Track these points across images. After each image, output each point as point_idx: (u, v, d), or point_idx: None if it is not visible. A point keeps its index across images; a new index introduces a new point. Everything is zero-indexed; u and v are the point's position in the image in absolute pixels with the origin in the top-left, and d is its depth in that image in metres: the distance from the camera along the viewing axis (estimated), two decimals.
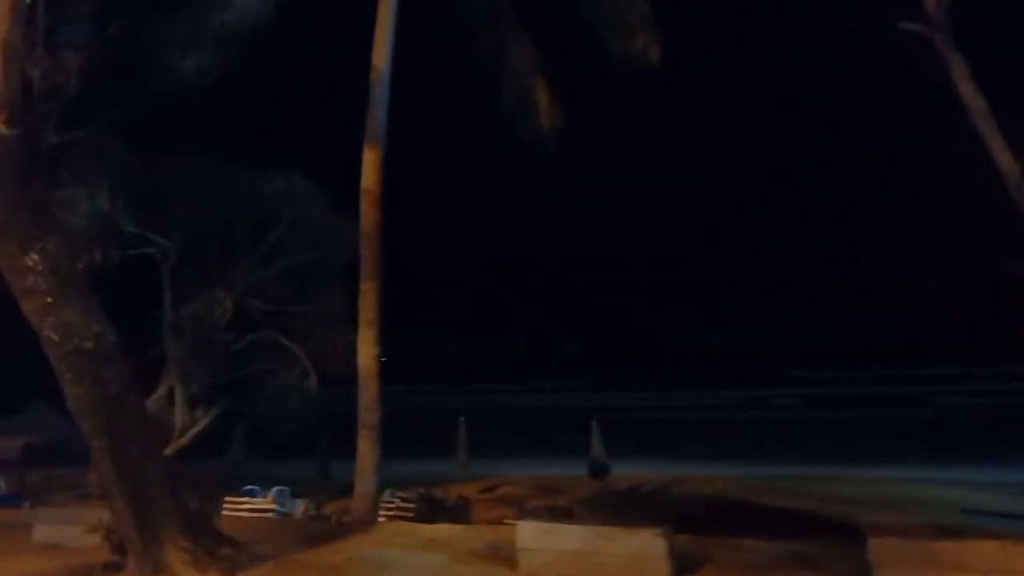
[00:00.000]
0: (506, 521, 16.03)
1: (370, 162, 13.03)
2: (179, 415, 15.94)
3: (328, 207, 18.70)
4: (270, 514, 14.89)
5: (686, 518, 17.42)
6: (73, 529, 9.83)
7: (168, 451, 14.72)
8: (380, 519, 13.33)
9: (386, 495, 14.70)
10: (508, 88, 13.29)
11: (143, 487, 7.81)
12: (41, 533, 10.16)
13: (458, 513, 14.95)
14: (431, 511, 14.40)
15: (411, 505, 14.47)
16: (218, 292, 17.03)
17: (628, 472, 22.00)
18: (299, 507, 15.73)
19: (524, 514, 16.74)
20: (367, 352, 13.00)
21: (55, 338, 7.46)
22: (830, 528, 15.80)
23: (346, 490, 22.20)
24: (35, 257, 7.43)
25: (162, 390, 16.25)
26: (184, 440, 15.74)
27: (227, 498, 16.38)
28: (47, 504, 12.50)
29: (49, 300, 7.47)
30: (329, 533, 10.28)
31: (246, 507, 15.49)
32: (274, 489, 17.11)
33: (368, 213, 13.03)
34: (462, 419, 22.45)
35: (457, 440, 22.56)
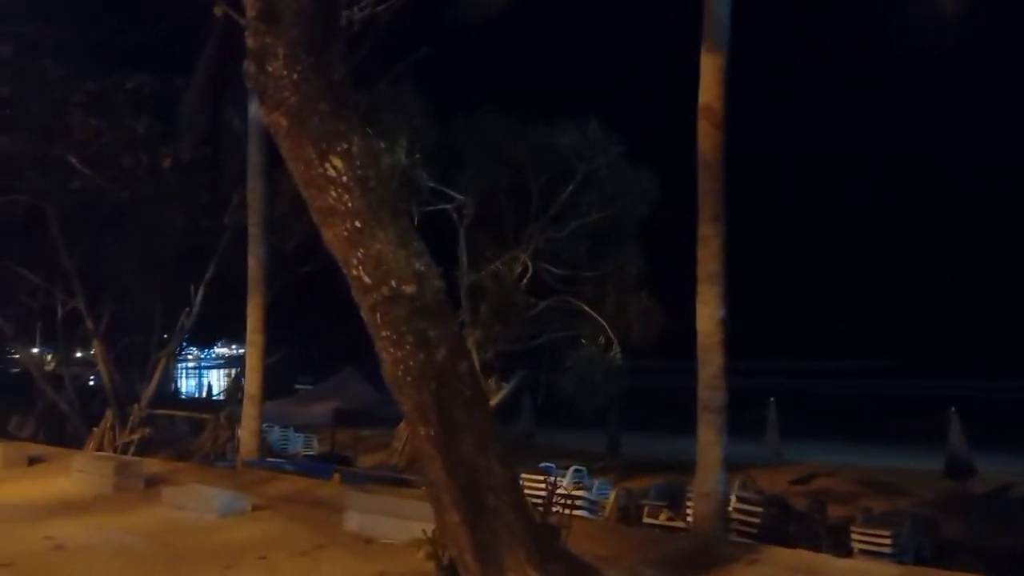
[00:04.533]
0: (854, 527, 12.09)
1: (710, 71, 9.59)
2: None
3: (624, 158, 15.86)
4: (580, 502, 12.15)
5: None
6: (388, 521, 7.57)
7: None
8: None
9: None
10: None
11: (481, 494, 5.05)
12: (352, 521, 8.02)
13: (815, 524, 11.17)
14: (781, 519, 10.81)
15: (755, 509, 10.93)
16: (516, 252, 14.61)
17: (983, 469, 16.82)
18: (609, 496, 12.86)
19: (872, 519, 12.67)
20: (708, 315, 9.62)
21: (366, 279, 4.89)
22: None
23: (639, 467, 19.42)
24: (337, 164, 4.88)
25: None
26: None
27: (524, 475, 14.02)
28: (357, 482, 10.59)
29: (357, 224, 4.89)
30: (699, 559, 7.06)
31: (547, 490, 12.91)
32: (571, 469, 14.50)
33: (709, 135, 9.61)
34: (772, 400, 18.48)
35: (767, 422, 18.62)
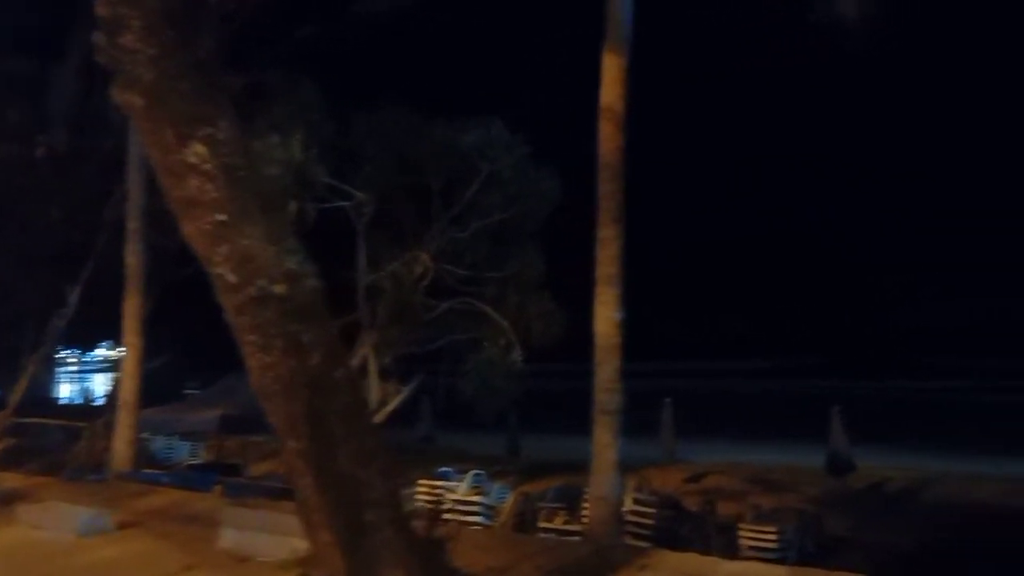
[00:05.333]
0: (742, 526, 12.30)
1: (611, 72, 9.47)
2: (373, 391, 13.17)
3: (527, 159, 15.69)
4: (475, 507, 11.84)
5: (982, 536, 13.11)
6: (267, 537, 7.01)
7: None
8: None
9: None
10: None
11: (359, 510, 4.65)
12: (228, 538, 7.40)
13: (706, 524, 11.24)
14: (674, 520, 10.81)
15: (649, 510, 10.89)
16: (418, 252, 14.17)
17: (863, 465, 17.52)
18: (507, 499, 12.59)
19: (760, 517, 12.92)
20: (607, 317, 9.49)
21: (231, 278, 4.40)
22: None
23: (540, 469, 19.29)
24: (200, 150, 4.36)
25: (354, 362, 13.54)
26: (380, 418, 12.95)
27: (421, 481, 13.59)
28: (241, 493, 9.92)
29: (221, 217, 4.40)
30: (592, 567, 6.85)
31: (444, 496, 12.57)
32: (471, 473, 14.18)
33: (609, 137, 9.48)
34: (668, 400, 18.71)
35: (660, 421, 18.86)
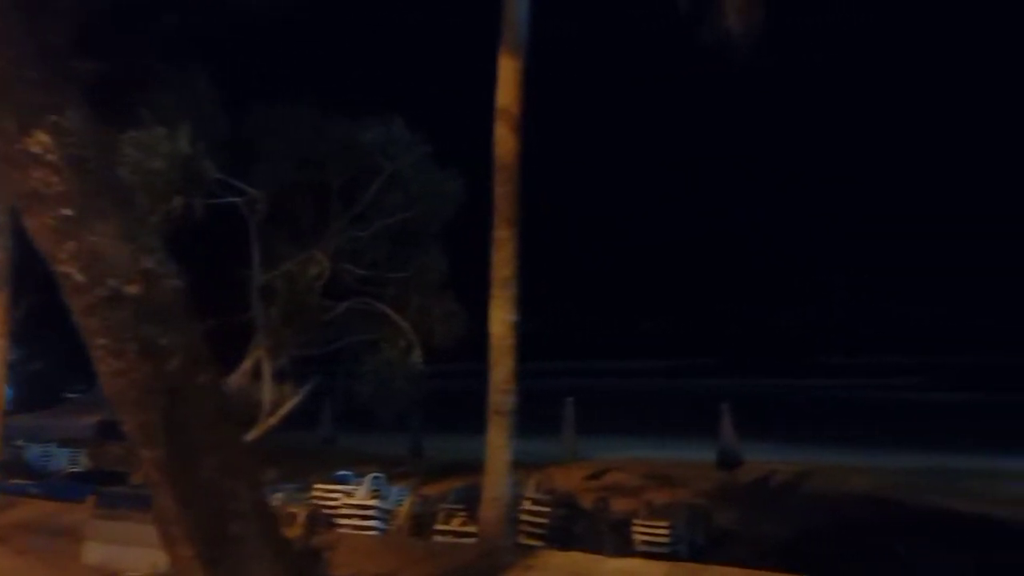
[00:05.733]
0: (635, 521, 12.58)
1: (508, 73, 9.45)
2: (267, 393, 12.71)
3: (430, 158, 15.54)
4: (371, 512, 11.60)
5: (848, 524, 13.83)
6: (135, 551, 6.62)
7: (253, 435, 11.57)
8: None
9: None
10: None
11: (224, 522, 4.42)
12: (94, 553, 6.95)
13: (599, 522, 11.39)
14: (568, 518, 10.89)
15: (544, 510, 10.94)
16: (314, 251, 13.77)
17: (750, 460, 18.23)
18: (404, 503, 12.39)
19: (653, 512, 13.24)
20: (501, 319, 9.47)
21: (78, 277, 4.09)
22: None
23: (442, 471, 19.17)
24: (43, 139, 4.03)
25: (248, 364, 13.04)
26: (273, 421, 12.52)
27: (317, 486, 13.24)
28: (118, 504, 9.32)
29: (67, 212, 4.08)
30: (478, 569, 6.79)
31: (340, 501, 12.27)
32: (370, 476, 13.92)
33: (505, 138, 9.45)
34: (570, 399, 18.92)
35: (563, 420, 19.05)
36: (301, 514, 11.23)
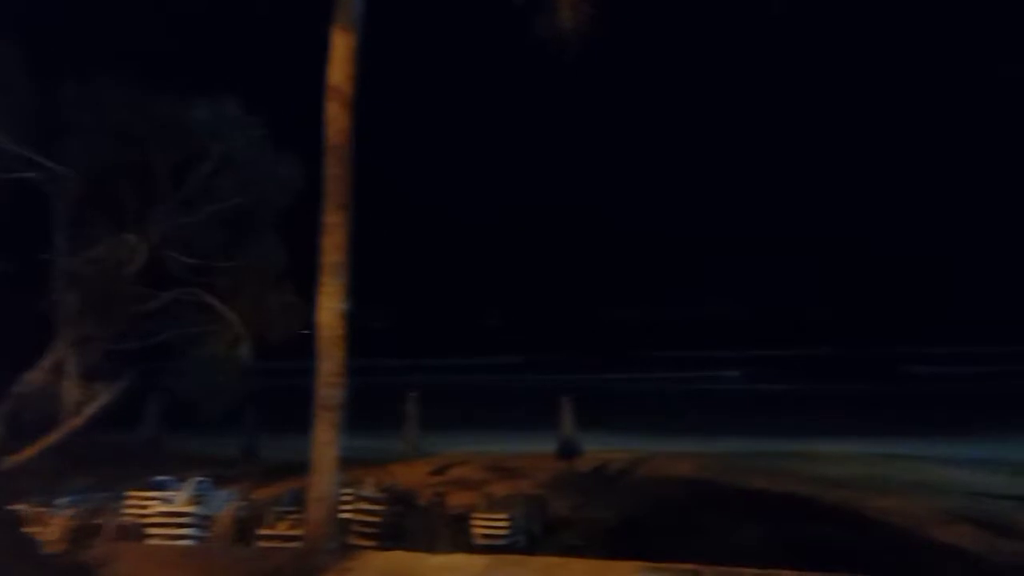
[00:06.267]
0: (475, 515, 12.47)
1: (340, 50, 8.94)
2: (70, 389, 11.38)
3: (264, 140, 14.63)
4: (187, 519, 10.62)
5: (667, 505, 14.41)
6: None
7: (52, 438, 10.31)
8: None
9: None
10: None
11: None
12: None
13: (435, 517, 11.08)
14: (402, 515, 10.50)
15: (376, 508, 10.47)
16: (127, 236, 12.51)
17: (590, 449, 18.67)
18: (225, 507, 11.46)
19: (493, 505, 13.17)
20: (330, 308, 8.96)
21: None
22: (834, 517, 13.04)
23: (279, 472, 18.17)
24: None
25: (50, 359, 11.64)
26: (78, 421, 11.22)
27: (131, 493, 11.98)
28: None
29: None
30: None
31: (154, 509, 11.15)
32: (192, 481, 12.83)
33: (337, 118, 8.94)
34: (414, 394, 18.53)
35: (405, 415, 18.63)
36: (109, 526, 10.13)
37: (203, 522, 10.73)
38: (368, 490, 11.76)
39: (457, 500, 14.66)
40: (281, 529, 10.34)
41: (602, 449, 18.88)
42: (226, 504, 11.82)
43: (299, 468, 17.27)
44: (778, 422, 23.53)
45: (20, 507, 9.01)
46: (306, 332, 15.26)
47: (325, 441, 8.87)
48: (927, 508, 13.01)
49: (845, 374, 38.82)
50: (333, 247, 8.97)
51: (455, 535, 11.40)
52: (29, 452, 9.64)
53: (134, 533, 10.29)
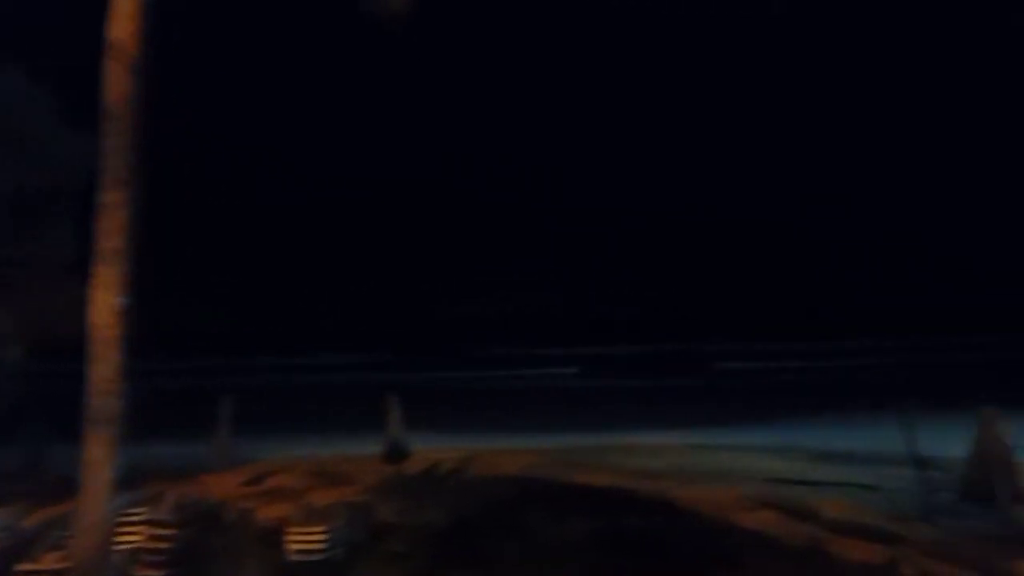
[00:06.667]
0: (289, 529, 11.43)
1: (124, 3, 7.58)
2: None
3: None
4: None
5: (497, 504, 14.08)
6: None
7: None
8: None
9: (119, 504, 9.05)
10: None
11: None
12: None
13: (244, 535, 9.87)
14: (201, 536, 9.22)
15: (166, 531, 9.08)
16: None
17: (420, 450, 17.97)
18: None
19: (310, 516, 12.16)
20: (106, 302, 7.58)
21: None
22: (651, 508, 13.32)
23: (69, 488, 15.89)
24: None
25: None
26: None
27: None
28: None
29: None
30: None
31: None
32: None
33: (118, 80, 7.59)
34: (227, 397, 16.91)
35: (218, 421, 16.97)
36: None
37: None
38: (163, 509, 10.33)
39: (272, 512, 13.49)
40: (47, 563, 8.73)
41: (433, 449, 18.26)
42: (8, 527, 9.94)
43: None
44: (605, 417, 24.07)
45: None
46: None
47: (96, 460, 7.50)
48: (732, 496, 13.60)
49: (663, 370, 40.90)
50: (110, 231, 7.59)
51: (265, 553, 10.31)
52: None
53: None
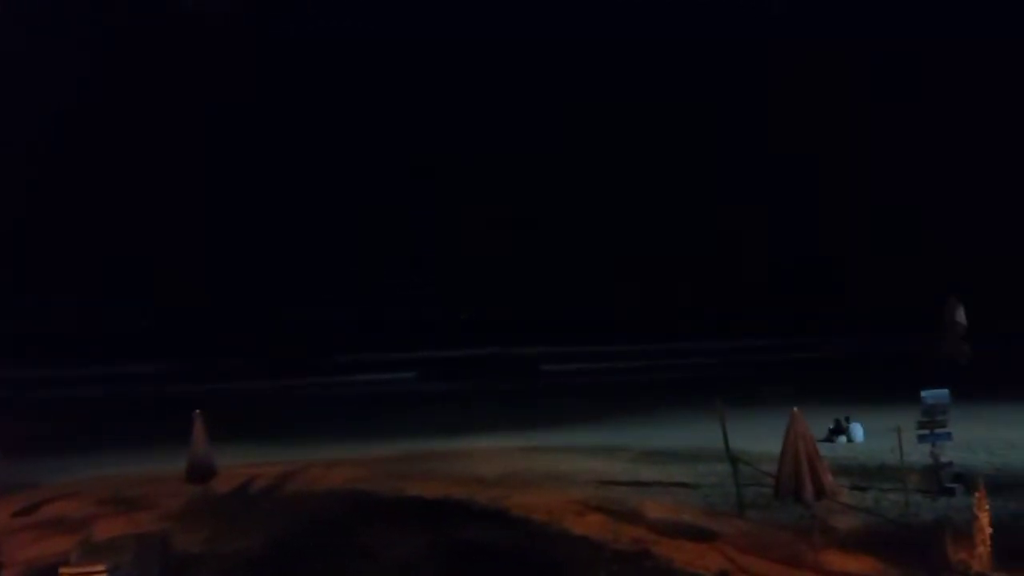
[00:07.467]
0: (63, 570, 9.73)
1: None
2: None
3: None
4: None
5: (323, 522, 12.91)
6: None
7: None
8: None
9: None
10: None
11: None
12: None
13: None
14: None
15: None
16: None
17: (229, 464, 16.19)
18: None
19: (88, 552, 10.43)
20: None
21: None
22: (485, 517, 12.85)
23: None
24: None
25: None
26: None
27: None
28: None
29: None
30: None
31: None
32: None
33: None
34: None
35: None
36: None
37: None
38: None
39: (45, 549, 11.51)
40: None
41: (244, 464, 16.59)
42: None
43: None
44: (438, 421, 23.29)
45: None
46: None
47: None
48: (562, 500, 13.49)
49: (497, 373, 40.88)
50: None
51: None
52: None
53: None
